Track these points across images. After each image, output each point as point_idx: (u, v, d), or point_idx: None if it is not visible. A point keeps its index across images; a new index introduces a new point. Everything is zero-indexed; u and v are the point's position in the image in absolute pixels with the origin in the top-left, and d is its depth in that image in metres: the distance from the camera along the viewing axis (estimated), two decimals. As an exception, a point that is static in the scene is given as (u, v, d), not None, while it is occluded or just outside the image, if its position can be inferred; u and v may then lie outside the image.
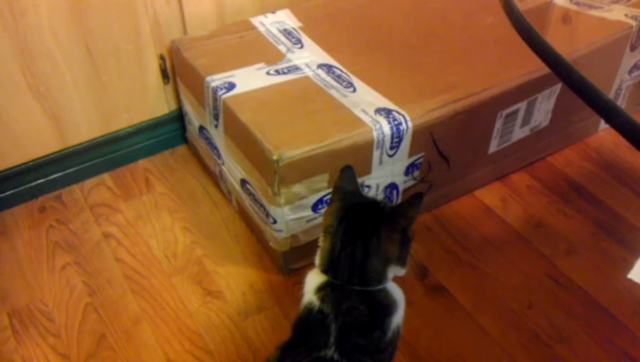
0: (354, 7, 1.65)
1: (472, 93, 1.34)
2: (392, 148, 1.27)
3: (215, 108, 1.36)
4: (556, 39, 1.54)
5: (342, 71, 1.40)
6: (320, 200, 1.27)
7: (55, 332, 1.27)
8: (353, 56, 1.45)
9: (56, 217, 1.52)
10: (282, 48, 1.48)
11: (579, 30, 1.59)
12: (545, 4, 1.66)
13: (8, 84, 1.39)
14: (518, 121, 1.48)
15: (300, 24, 1.57)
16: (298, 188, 1.22)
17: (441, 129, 1.32)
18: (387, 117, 1.25)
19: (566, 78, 0.74)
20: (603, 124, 1.74)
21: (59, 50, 1.41)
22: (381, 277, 0.89)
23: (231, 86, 1.34)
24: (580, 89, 0.71)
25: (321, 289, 0.90)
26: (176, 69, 1.58)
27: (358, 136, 1.22)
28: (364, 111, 1.27)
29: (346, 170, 0.94)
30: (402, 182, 1.37)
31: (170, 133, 1.71)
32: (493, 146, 1.49)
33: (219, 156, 1.46)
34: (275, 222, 1.27)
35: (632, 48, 1.58)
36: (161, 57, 1.57)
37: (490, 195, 1.56)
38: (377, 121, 1.24)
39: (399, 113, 1.27)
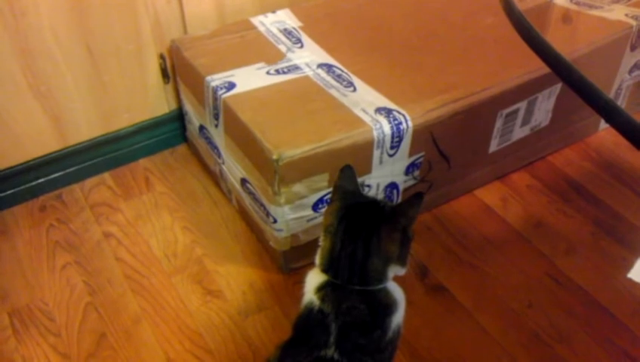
0: (354, 6, 1.65)
1: (472, 92, 1.34)
2: (392, 147, 1.27)
3: (215, 107, 1.36)
4: (556, 39, 1.54)
5: (342, 70, 1.40)
6: (320, 200, 1.27)
7: (55, 331, 1.27)
8: (353, 55, 1.45)
9: (56, 216, 1.52)
10: (282, 48, 1.48)
11: (579, 30, 1.59)
12: (545, 4, 1.66)
13: (9, 84, 1.39)
14: (519, 121, 1.48)
15: (300, 24, 1.58)
16: (298, 187, 1.22)
17: (442, 128, 1.32)
18: (387, 116, 1.25)
19: (566, 77, 0.74)
20: (603, 124, 1.74)
21: (59, 49, 1.41)
22: (381, 277, 0.89)
23: (231, 85, 1.34)
24: (580, 89, 0.71)
25: (321, 289, 0.90)
26: (176, 69, 1.58)
27: (358, 135, 1.22)
28: (364, 110, 1.27)
29: (346, 170, 0.94)
30: (402, 181, 1.37)
31: (170, 132, 1.71)
32: (494, 146, 1.49)
33: (219, 155, 1.46)
34: (275, 221, 1.27)
35: (633, 48, 1.58)
36: (162, 57, 1.57)
37: (490, 195, 1.56)
38: (377, 121, 1.24)
39: (399, 113, 1.27)
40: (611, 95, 1.67)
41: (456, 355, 1.22)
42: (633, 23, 1.54)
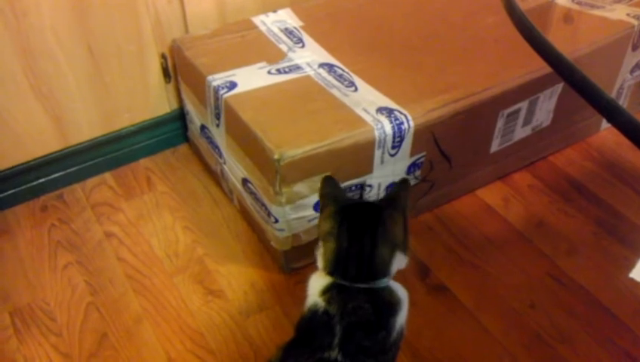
0: (355, 6, 1.65)
1: (474, 92, 1.34)
2: (393, 147, 1.27)
3: (216, 107, 1.36)
4: (558, 39, 1.53)
5: (343, 70, 1.40)
6: (321, 200, 1.27)
7: (57, 331, 1.27)
8: (354, 55, 1.45)
9: (57, 216, 1.52)
10: (283, 47, 1.48)
11: (581, 30, 1.59)
12: (546, 4, 1.66)
13: (10, 84, 1.39)
14: (520, 121, 1.48)
15: (301, 23, 1.58)
16: (299, 187, 1.22)
17: (443, 128, 1.32)
18: (389, 116, 1.25)
19: (568, 77, 0.74)
20: (605, 124, 1.74)
21: (61, 50, 1.41)
22: (387, 269, 0.90)
23: (232, 85, 1.34)
24: (581, 88, 0.71)
25: (327, 291, 0.90)
26: (177, 68, 1.58)
27: (359, 135, 1.22)
28: (365, 110, 1.27)
29: (328, 179, 0.97)
30: (404, 181, 1.37)
31: (171, 132, 1.71)
32: (495, 146, 1.49)
33: (220, 155, 1.46)
34: (276, 221, 1.27)
35: (634, 48, 1.58)
36: (163, 56, 1.57)
37: (491, 195, 1.56)
38: (379, 121, 1.24)
39: (401, 112, 1.27)
40: (613, 95, 1.66)
41: (458, 355, 1.21)
42: (635, 22, 1.54)
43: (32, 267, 1.40)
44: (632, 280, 1.34)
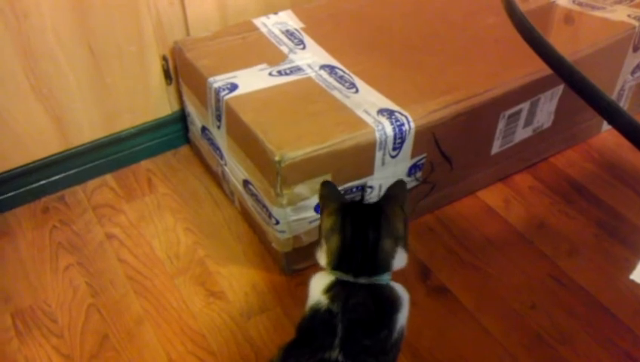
0: (356, 7, 1.66)
1: (475, 93, 1.34)
2: (394, 149, 1.27)
3: (217, 109, 1.37)
4: (559, 40, 1.54)
5: (344, 72, 1.40)
6: (322, 201, 1.27)
7: (58, 332, 1.27)
8: (355, 56, 1.45)
9: (59, 218, 1.53)
10: (284, 49, 1.48)
11: (581, 31, 1.59)
12: (547, 5, 1.66)
13: (11, 86, 1.39)
14: (521, 122, 1.48)
15: (302, 25, 1.58)
16: (300, 188, 1.22)
17: (444, 130, 1.32)
18: (389, 118, 1.25)
19: (568, 79, 0.74)
20: (606, 125, 1.74)
21: (62, 51, 1.41)
22: (390, 262, 0.92)
23: (233, 87, 1.35)
24: (581, 90, 0.71)
25: (330, 289, 0.90)
26: (178, 70, 1.58)
27: (360, 136, 1.22)
28: (366, 112, 1.27)
29: (326, 184, 1.00)
30: (404, 182, 1.37)
31: (172, 133, 1.71)
32: (496, 147, 1.49)
33: (221, 157, 1.46)
34: (277, 222, 1.27)
35: (635, 49, 1.58)
36: (164, 58, 1.58)
37: (492, 196, 1.56)
38: (380, 122, 1.24)
39: (402, 114, 1.27)
40: (614, 96, 1.66)
41: (458, 356, 1.21)
42: (636, 23, 1.54)
43: (34, 268, 1.40)
44: (633, 281, 1.34)
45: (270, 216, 1.28)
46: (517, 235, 1.46)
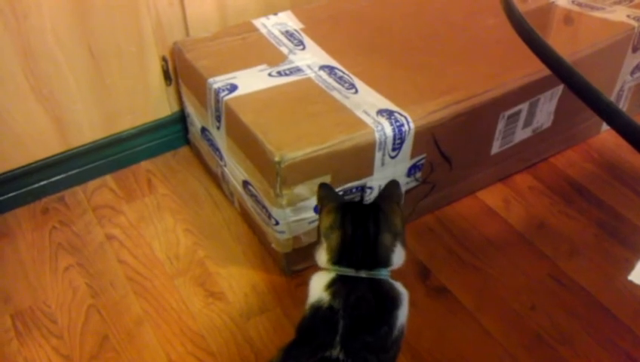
0: (356, 8, 1.66)
1: (474, 94, 1.34)
2: (394, 149, 1.27)
3: (217, 109, 1.37)
4: (558, 40, 1.54)
5: (344, 72, 1.40)
6: (322, 202, 1.27)
7: (58, 333, 1.27)
8: (355, 57, 1.45)
9: (59, 219, 1.53)
10: (284, 50, 1.48)
11: (581, 31, 1.59)
12: (547, 6, 1.66)
13: (11, 86, 1.39)
14: (521, 123, 1.48)
15: (301, 25, 1.58)
16: (300, 189, 1.22)
17: (443, 130, 1.32)
18: (389, 118, 1.25)
19: (567, 80, 0.74)
20: (605, 126, 1.74)
21: (61, 52, 1.41)
22: (389, 256, 0.93)
23: (233, 87, 1.35)
24: (580, 91, 0.71)
25: (331, 285, 0.91)
26: (178, 71, 1.58)
27: (360, 137, 1.22)
28: (366, 112, 1.27)
29: (324, 186, 1.02)
30: (404, 183, 1.37)
31: (172, 134, 1.71)
32: (496, 147, 1.49)
33: (221, 157, 1.46)
34: (277, 223, 1.27)
35: (634, 49, 1.58)
36: (164, 59, 1.58)
37: (492, 196, 1.56)
38: (379, 123, 1.24)
39: (401, 114, 1.27)
40: (613, 97, 1.66)
41: (458, 356, 1.21)
42: (635, 24, 1.54)
43: (33, 269, 1.40)
44: (631, 282, 1.34)
45: (270, 216, 1.28)
46: (517, 235, 1.46)
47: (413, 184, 1.40)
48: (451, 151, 1.39)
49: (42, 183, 1.57)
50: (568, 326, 1.26)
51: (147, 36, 1.51)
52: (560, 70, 0.76)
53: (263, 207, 1.30)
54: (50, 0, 1.33)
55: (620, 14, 1.59)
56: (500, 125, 1.44)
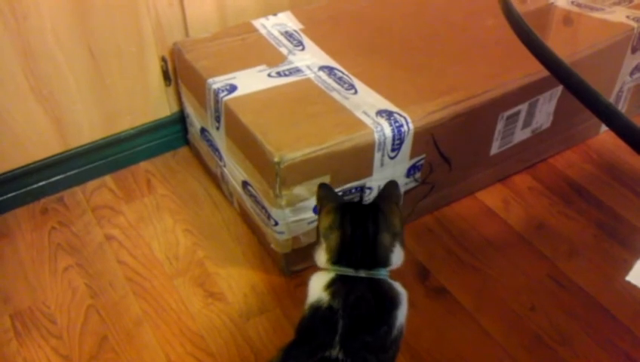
0: (355, 9, 1.66)
1: (474, 94, 1.34)
2: (393, 150, 1.27)
3: (216, 110, 1.37)
4: (557, 41, 1.54)
5: (343, 73, 1.40)
6: (321, 202, 1.27)
7: (57, 334, 1.27)
8: (354, 58, 1.45)
9: (58, 219, 1.53)
10: (284, 50, 1.48)
11: (580, 32, 1.59)
12: (546, 6, 1.66)
13: (11, 87, 1.39)
14: (520, 123, 1.48)
15: (301, 26, 1.58)
16: (299, 190, 1.22)
17: (443, 131, 1.32)
18: (388, 119, 1.25)
19: (565, 81, 0.74)
20: (604, 127, 1.73)
21: (61, 52, 1.41)
22: (389, 256, 0.94)
23: (232, 88, 1.35)
24: (579, 92, 0.71)
25: (331, 285, 0.91)
26: (177, 71, 1.58)
27: (359, 138, 1.22)
28: (365, 113, 1.27)
29: (323, 186, 1.03)
30: (404, 184, 1.37)
31: (171, 134, 1.71)
32: (495, 148, 1.49)
33: (220, 158, 1.46)
34: (276, 223, 1.27)
35: (634, 50, 1.58)
36: (163, 59, 1.58)
37: (491, 197, 1.56)
38: (378, 123, 1.24)
39: (400, 115, 1.27)
40: (612, 98, 1.67)
41: (458, 357, 1.22)
42: (634, 25, 1.54)
43: (33, 270, 1.40)
44: (629, 282, 1.34)
45: (269, 217, 1.28)
46: (516, 236, 1.46)
47: (413, 184, 1.40)
48: (451, 151, 1.39)
49: (42, 183, 1.57)
50: (568, 327, 1.26)
51: (147, 36, 1.51)
52: (558, 71, 0.76)
53: (263, 207, 1.30)
54: (49, 0, 1.33)
55: (619, 15, 1.59)
56: (500, 126, 1.44)
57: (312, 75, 1.39)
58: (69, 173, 1.59)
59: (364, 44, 1.52)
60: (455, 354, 1.22)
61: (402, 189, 1.38)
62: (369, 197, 1.33)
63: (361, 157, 1.25)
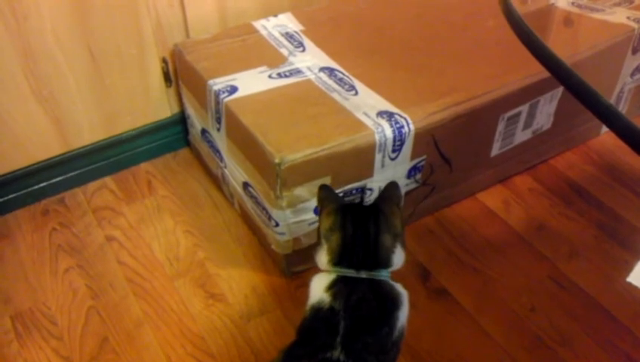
0: (356, 10, 1.66)
1: (474, 95, 1.34)
2: (394, 151, 1.27)
3: (217, 111, 1.37)
4: (558, 42, 1.54)
5: (344, 74, 1.40)
6: (322, 203, 1.27)
7: (58, 335, 1.27)
8: (355, 59, 1.46)
9: (59, 220, 1.53)
10: (284, 52, 1.48)
11: (581, 33, 1.59)
12: (546, 7, 1.66)
13: (11, 87, 1.39)
14: (520, 124, 1.48)
15: (301, 27, 1.58)
16: (300, 191, 1.22)
17: (443, 132, 1.32)
18: (389, 120, 1.25)
19: (566, 82, 0.74)
20: (605, 128, 1.73)
21: (62, 53, 1.41)
22: (390, 257, 0.93)
23: (233, 89, 1.35)
24: (579, 93, 0.71)
25: (332, 287, 0.91)
26: (178, 72, 1.59)
27: (360, 139, 1.22)
28: (366, 114, 1.27)
29: (324, 187, 1.02)
30: (404, 185, 1.37)
31: (172, 136, 1.71)
32: (496, 149, 1.49)
33: (221, 159, 1.46)
34: (277, 225, 1.27)
35: (634, 51, 1.58)
36: (164, 60, 1.58)
37: (492, 198, 1.56)
38: (379, 124, 1.24)
39: (401, 116, 1.27)
40: (613, 98, 1.67)
41: (458, 358, 1.21)
42: (635, 25, 1.54)
43: (33, 271, 1.40)
44: (630, 283, 1.34)
45: (270, 218, 1.28)
46: (517, 237, 1.46)
47: (413, 186, 1.40)
48: (451, 152, 1.39)
49: (42, 185, 1.57)
50: (568, 328, 1.26)
51: (147, 37, 1.51)
52: (559, 72, 0.76)
53: (263, 208, 1.30)
54: (50, 1, 1.33)
55: (619, 16, 1.59)
56: (500, 127, 1.44)
57: (312, 76, 1.39)
58: (69, 174, 1.59)
59: (365, 45, 1.52)
60: (455, 354, 1.22)
61: (403, 190, 1.38)
62: (370, 198, 1.33)
63: (362, 159, 1.25)
